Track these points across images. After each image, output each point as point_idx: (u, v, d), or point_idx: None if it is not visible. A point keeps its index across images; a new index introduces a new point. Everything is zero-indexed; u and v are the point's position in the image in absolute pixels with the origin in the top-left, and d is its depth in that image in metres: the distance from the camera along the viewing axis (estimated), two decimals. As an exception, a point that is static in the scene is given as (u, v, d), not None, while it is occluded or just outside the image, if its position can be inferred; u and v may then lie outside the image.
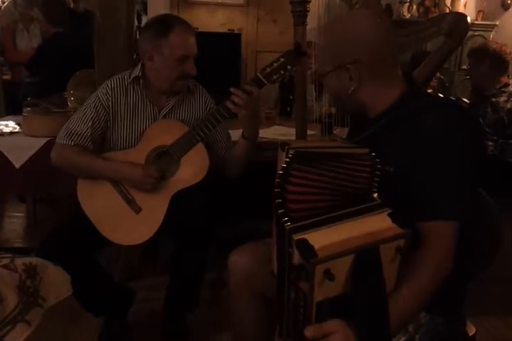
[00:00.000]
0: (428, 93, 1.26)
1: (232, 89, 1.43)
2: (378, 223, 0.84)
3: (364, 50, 1.02)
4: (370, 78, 1.04)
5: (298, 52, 1.46)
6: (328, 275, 0.76)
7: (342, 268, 0.79)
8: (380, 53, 1.03)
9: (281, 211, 0.83)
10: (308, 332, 0.79)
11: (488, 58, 2.57)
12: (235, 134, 1.69)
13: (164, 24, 1.50)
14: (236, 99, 1.43)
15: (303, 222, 0.81)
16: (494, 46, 2.62)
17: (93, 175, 1.55)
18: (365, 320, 0.80)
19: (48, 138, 1.91)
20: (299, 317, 0.83)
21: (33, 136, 1.97)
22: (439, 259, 0.92)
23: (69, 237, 1.47)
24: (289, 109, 2.87)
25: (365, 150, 0.94)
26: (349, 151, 0.96)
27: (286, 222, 0.82)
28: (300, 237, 0.79)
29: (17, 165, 1.93)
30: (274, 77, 1.44)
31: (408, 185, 0.95)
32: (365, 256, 0.79)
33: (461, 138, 0.96)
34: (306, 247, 0.77)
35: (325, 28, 1.15)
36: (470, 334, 1.11)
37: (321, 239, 0.79)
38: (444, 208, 0.94)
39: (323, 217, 0.83)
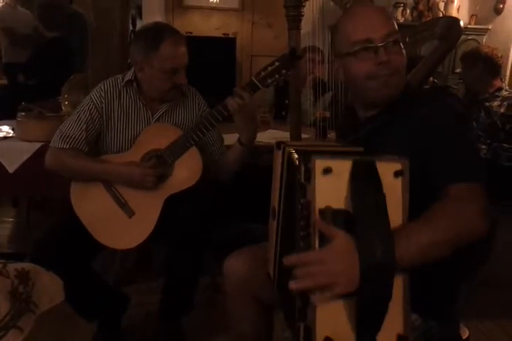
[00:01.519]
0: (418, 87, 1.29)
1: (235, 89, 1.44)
2: None
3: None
4: None
5: (293, 57, 1.46)
6: (328, 171, 0.79)
7: (341, 172, 0.80)
8: None
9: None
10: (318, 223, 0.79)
11: (481, 62, 2.60)
12: (229, 138, 1.69)
13: (155, 35, 1.49)
14: (230, 102, 1.43)
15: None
16: (486, 50, 2.65)
17: (89, 178, 1.54)
18: (365, 234, 0.78)
19: (42, 143, 1.90)
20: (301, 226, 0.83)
21: (27, 141, 1.96)
22: (469, 210, 0.86)
23: (62, 242, 1.46)
24: (284, 113, 2.87)
25: (360, 149, 0.95)
26: (344, 149, 0.98)
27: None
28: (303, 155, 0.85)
29: (10, 170, 1.92)
30: (269, 81, 1.44)
31: (420, 169, 0.91)
32: (362, 166, 0.80)
33: (457, 115, 0.99)
34: (307, 154, 0.82)
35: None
36: (464, 338, 1.11)
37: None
38: (468, 171, 0.93)
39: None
